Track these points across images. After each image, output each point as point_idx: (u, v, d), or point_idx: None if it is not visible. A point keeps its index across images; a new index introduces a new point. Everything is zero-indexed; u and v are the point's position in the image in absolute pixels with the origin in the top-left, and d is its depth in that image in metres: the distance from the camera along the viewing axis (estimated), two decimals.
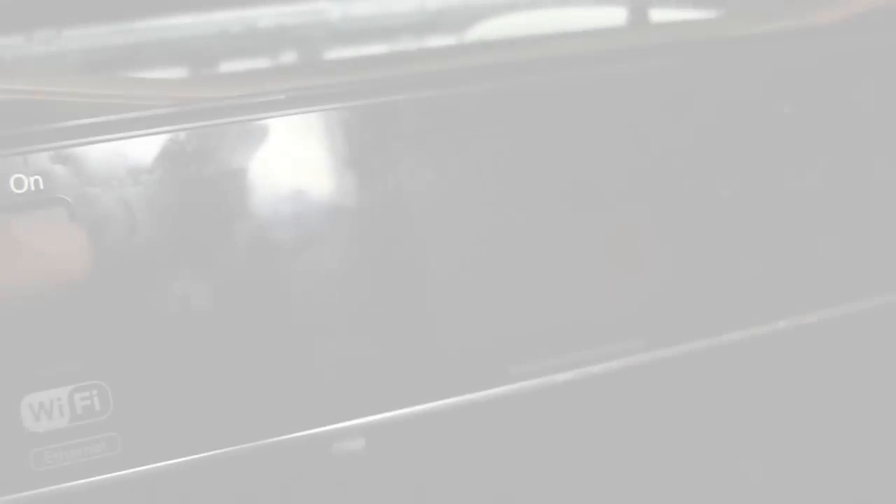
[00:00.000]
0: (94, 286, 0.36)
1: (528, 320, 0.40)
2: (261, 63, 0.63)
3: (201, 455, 0.36)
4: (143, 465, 0.36)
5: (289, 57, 0.64)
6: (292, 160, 0.38)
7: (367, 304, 0.38)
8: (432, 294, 0.39)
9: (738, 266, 0.42)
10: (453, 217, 0.39)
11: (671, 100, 0.43)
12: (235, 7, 0.63)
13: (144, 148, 0.36)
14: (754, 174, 0.43)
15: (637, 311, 0.41)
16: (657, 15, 0.63)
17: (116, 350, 0.36)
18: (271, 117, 0.37)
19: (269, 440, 0.37)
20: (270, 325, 0.37)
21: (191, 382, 0.36)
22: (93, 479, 0.35)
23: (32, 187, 0.35)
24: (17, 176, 0.35)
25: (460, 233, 0.39)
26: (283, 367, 0.37)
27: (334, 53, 0.64)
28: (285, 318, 0.37)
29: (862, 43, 0.46)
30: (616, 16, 0.63)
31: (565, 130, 0.41)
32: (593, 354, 0.40)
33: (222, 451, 0.36)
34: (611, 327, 0.41)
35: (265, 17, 0.63)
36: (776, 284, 0.43)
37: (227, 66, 0.63)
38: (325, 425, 0.37)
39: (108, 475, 0.35)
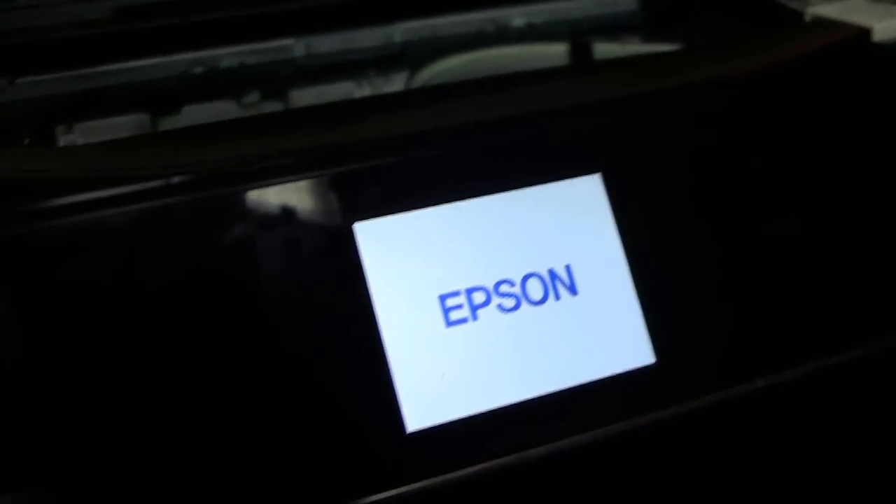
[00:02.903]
0: None
1: None
2: (225, 104, 0.62)
3: None
4: None
5: (253, 96, 0.62)
6: None
7: None
8: None
9: None
10: None
11: None
12: (196, 48, 0.61)
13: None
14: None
15: None
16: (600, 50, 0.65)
17: None
18: None
19: None
20: None
21: None
22: None
23: None
24: None
25: None
26: None
27: (299, 91, 0.63)
28: None
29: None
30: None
31: None
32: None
33: None
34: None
35: (227, 56, 0.62)
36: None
37: (190, 108, 0.61)
38: None
39: None
